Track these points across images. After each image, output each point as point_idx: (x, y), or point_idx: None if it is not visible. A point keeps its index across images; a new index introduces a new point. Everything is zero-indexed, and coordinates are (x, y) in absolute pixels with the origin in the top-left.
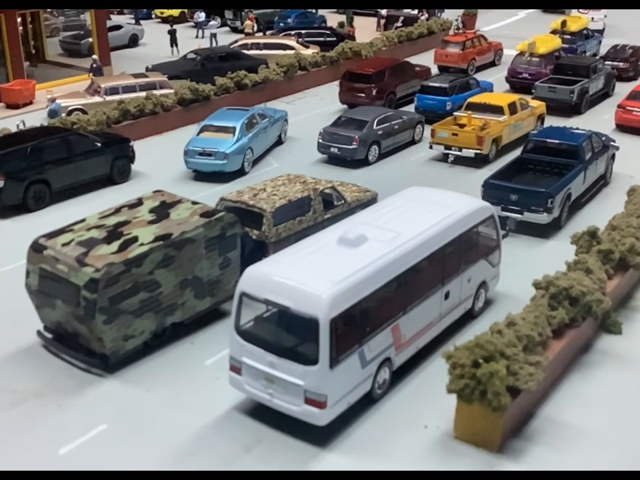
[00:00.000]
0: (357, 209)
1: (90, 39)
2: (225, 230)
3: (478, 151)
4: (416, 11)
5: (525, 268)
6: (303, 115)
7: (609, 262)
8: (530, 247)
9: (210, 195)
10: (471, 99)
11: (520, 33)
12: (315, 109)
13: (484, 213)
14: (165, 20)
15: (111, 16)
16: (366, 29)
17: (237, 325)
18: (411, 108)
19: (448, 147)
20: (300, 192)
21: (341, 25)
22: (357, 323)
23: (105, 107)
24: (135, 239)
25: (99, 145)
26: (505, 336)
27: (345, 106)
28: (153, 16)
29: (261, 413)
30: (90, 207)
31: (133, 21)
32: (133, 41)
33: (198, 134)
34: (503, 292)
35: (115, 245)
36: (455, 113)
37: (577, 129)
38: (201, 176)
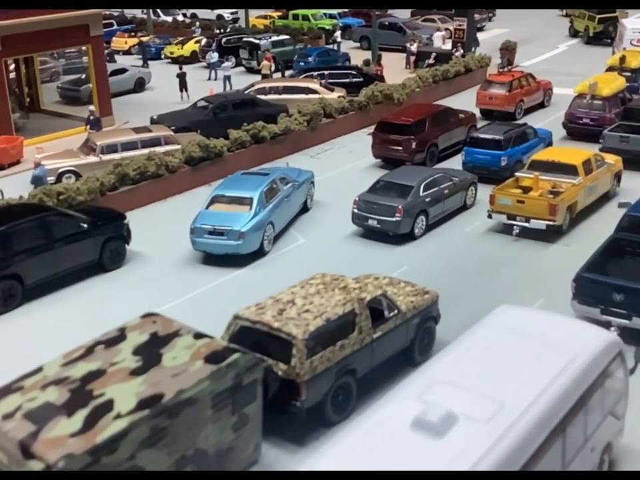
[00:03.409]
0: (414, 319)
1: (90, 85)
2: (241, 377)
3: (550, 222)
4: (449, 46)
5: None
6: (330, 172)
7: None
8: None
9: (222, 284)
10: (536, 156)
11: (563, 68)
12: (344, 163)
13: (612, 350)
14: (174, 60)
15: (116, 57)
16: (394, 67)
17: None
18: (454, 161)
19: (512, 217)
20: (341, 304)
21: (367, 62)
22: None
23: (101, 168)
24: (109, 406)
25: (86, 225)
26: None
27: (379, 160)
28: (162, 57)
29: None
30: (73, 306)
31: (140, 62)
32: (139, 85)
33: (207, 207)
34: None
35: (78, 418)
36: (518, 174)
37: None
38: (212, 259)
